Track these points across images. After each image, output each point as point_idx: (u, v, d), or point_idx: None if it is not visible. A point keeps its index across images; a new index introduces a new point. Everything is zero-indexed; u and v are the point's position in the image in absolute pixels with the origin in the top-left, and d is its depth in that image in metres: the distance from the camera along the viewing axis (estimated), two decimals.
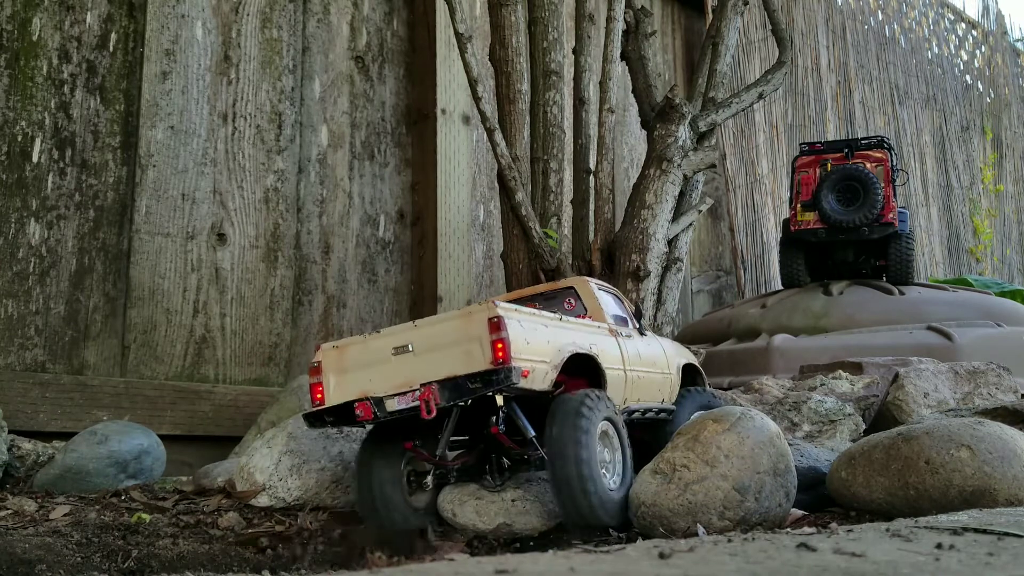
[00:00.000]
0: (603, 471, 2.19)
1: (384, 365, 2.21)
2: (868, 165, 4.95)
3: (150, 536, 2.28)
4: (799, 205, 5.03)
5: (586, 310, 2.65)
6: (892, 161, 4.96)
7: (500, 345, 2.05)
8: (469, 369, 2.08)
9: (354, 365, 2.26)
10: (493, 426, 2.23)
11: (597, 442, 2.17)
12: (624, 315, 2.78)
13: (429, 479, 2.41)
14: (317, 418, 2.28)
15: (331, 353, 2.31)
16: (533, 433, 2.22)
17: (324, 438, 2.73)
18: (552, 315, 2.34)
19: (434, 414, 2.08)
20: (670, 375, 2.82)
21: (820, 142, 5.25)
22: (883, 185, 4.84)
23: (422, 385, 2.11)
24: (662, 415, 2.75)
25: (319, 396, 2.29)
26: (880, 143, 5.01)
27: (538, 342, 2.16)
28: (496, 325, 2.07)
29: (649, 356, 2.71)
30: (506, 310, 2.13)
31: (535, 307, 2.64)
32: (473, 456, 2.43)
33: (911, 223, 5.34)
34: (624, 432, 2.32)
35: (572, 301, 2.69)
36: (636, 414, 2.60)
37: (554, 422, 2.14)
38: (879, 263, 5.06)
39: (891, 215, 4.85)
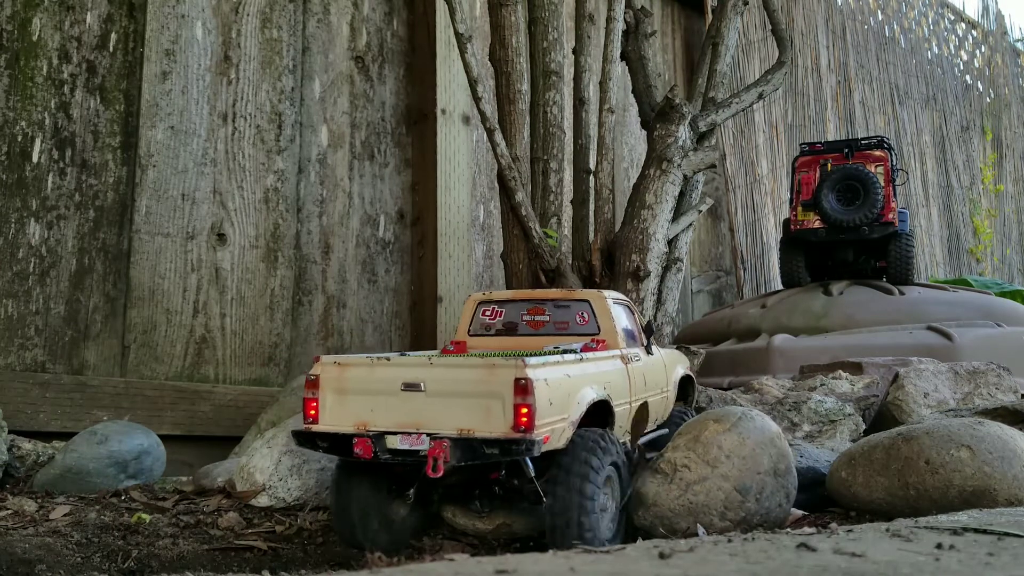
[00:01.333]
0: (601, 514, 2.07)
1: (390, 398, 2.03)
2: (868, 165, 4.99)
3: (150, 536, 2.28)
4: (799, 205, 5.09)
5: (599, 329, 2.52)
6: (892, 161, 5.02)
7: (525, 411, 1.88)
8: (487, 429, 1.92)
9: (355, 389, 2.09)
10: (494, 472, 2.11)
11: (602, 488, 2.05)
12: (634, 329, 2.67)
13: (411, 492, 2.25)
14: (308, 439, 2.11)
15: (331, 369, 2.12)
16: (533, 473, 2.03)
17: None
18: (574, 357, 2.17)
19: (441, 474, 1.90)
20: (667, 393, 2.74)
21: (820, 142, 5.31)
22: (883, 185, 4.90)
23: (432, 438, 1.93)
24: (657, 433, 2.70)
25: (312, 413, 2.11)
26: (880, 143, 5.07)
27: (560, 398, 2.00)
28: (524, 388, 1.88)
29: (652, 379, 2.60)
30: (535, 367, 1.93)
31: (542, 312, 2.55)
32: (463, 475, 2.24)
33: (911, 223, 5.39)
34: (627, 476, 2.20)
35: (585, 316, 2.55)
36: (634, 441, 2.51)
37: (562, 463, 2.01)
38: (879, 264, 5.09)
39: (891, 215, 4.91)
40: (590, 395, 2.10)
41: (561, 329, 2.58)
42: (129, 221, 3.74)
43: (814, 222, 5.00)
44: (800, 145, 5.38)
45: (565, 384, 2.03)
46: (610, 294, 2.64)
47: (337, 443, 2.06)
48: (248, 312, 4.04)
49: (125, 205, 3.74)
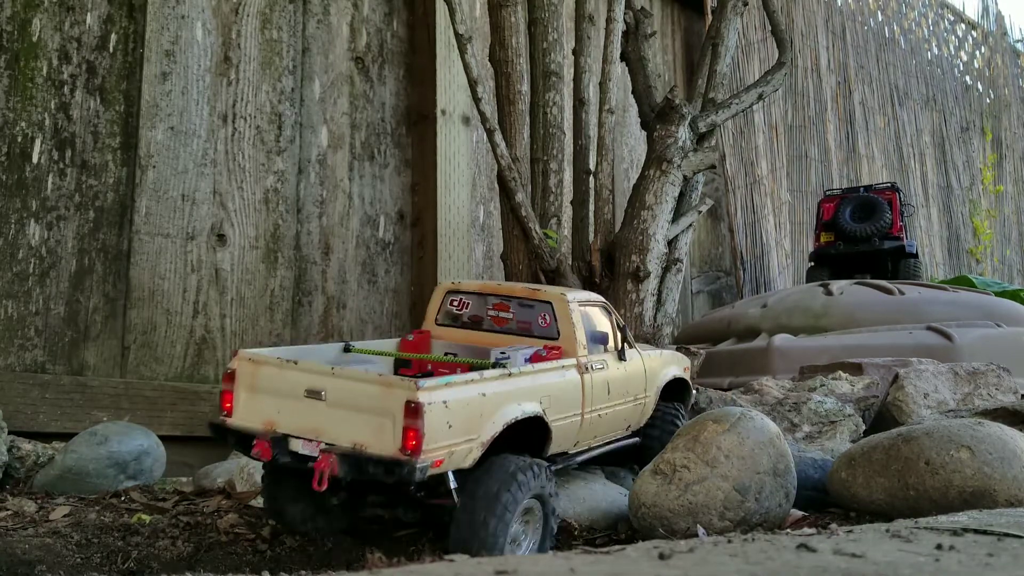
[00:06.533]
0: (511, 546, 2.02)
1: (294, 401, 2.02)
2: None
3: (150, 537, 2.28)
4: (822, 228, 6.22)
5: (559, 333, 2.48)
6: (900, 198, 6.21)
7: (412, 435, 1.84)
8: (376, 446, 1.89)
9: (265, 388, 2.09)
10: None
11: (515, 519, 2.00)
12: (607, 331, 2.60)
13: (336, 499, 2.22)
14: (221, 433, 2.14)
15: (246, 365, 2.13)
16: (455, 486, 2.01)
17: None
18: (500, 373, 2.11)
19: (325, 487, 1.88)
20: (643, 400, 2.71)
21: (840, 188, 6.70)
22: (891, 210, 6.00)
23: (322, 451, 1.92)
24: (624, 443, 2.67)
25: (227, 406, 2.14)
26: (891, 187, 6.28)
27: (465, 420, 1.95)
28: (414, 411, 1.84)
29: (620, 387, 2.54)
30: (430, 391, 1.88)
31: (506, 309, 2.53)
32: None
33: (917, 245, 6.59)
34: (552, 507, 2.13)
35: (547, 318, 2.51)
36: (589, 453, 2.50)
37: (478, 485, 1.97)
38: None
39: (899, 233, 5.98)
40: (513, 412, 2.06)
41: (523, 329, 2.56)
42: (129, 222, 3.74)
43: (834, 238, 6.09)
44: (825, 191, 6.66)
45: (476, 404, 1.98)
46: (576, 295, 2.58)
47: (243, 441, 2.07)
48: (248, 313, 4.04)
49: (125, 206, 3.74)
